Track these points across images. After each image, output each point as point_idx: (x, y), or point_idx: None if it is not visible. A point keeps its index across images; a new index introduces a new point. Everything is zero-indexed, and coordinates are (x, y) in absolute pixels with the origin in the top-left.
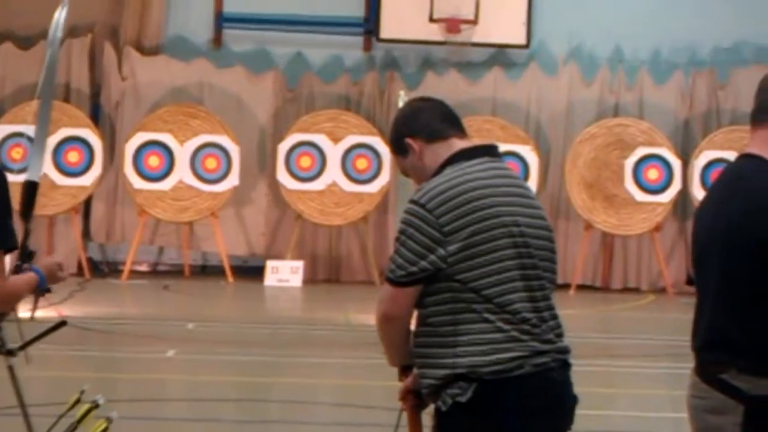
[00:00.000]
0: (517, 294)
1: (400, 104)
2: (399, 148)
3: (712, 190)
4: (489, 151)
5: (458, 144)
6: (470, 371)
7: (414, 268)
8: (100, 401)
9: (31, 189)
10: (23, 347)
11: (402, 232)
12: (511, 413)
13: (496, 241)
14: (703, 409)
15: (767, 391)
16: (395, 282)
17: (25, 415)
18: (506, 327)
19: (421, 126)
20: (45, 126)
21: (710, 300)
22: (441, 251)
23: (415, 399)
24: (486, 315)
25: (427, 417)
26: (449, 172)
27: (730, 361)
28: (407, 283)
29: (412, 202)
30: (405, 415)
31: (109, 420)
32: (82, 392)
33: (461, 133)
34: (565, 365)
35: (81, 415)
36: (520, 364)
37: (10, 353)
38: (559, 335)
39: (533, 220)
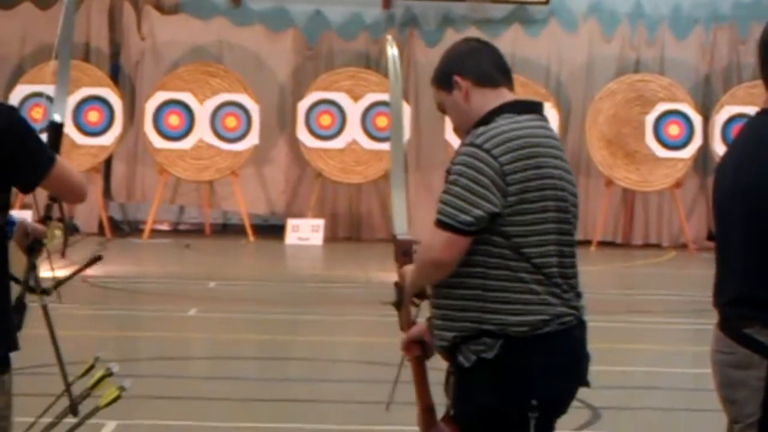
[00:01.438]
0: (553, 258)
1: (389, 49)
2: (444, 83)
3: (733, 147)
4: (536, 108)
5: (508, 95)
6: (498, 329)
7: (480, 212)
8: (114, 369)
9: (56, 130)
10: (58, 285)
11: (461, 174)
12: (536, 370)
13: (545, 201)
14: (727, 363)
15: None
16: (458, 229)
17: (60, 359)
18: (539, 289)
19: (473, 66)
20: (66, 66)
21: (735, 257)
22: (500, 198)
23: (419, 349)
24: (522, 274)
25: (432, 372)
26: (505, 122)
27: (756, 317)
28: (471, 231)
29: (473, 145)
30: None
31: (122, 388)
32: (96, 359)
33: (510, 85)
34: (582, 324)
35: (94, 382)
36: (547, 323)
37: (45, 292)
38: (579, 295)
39: (569, 185)
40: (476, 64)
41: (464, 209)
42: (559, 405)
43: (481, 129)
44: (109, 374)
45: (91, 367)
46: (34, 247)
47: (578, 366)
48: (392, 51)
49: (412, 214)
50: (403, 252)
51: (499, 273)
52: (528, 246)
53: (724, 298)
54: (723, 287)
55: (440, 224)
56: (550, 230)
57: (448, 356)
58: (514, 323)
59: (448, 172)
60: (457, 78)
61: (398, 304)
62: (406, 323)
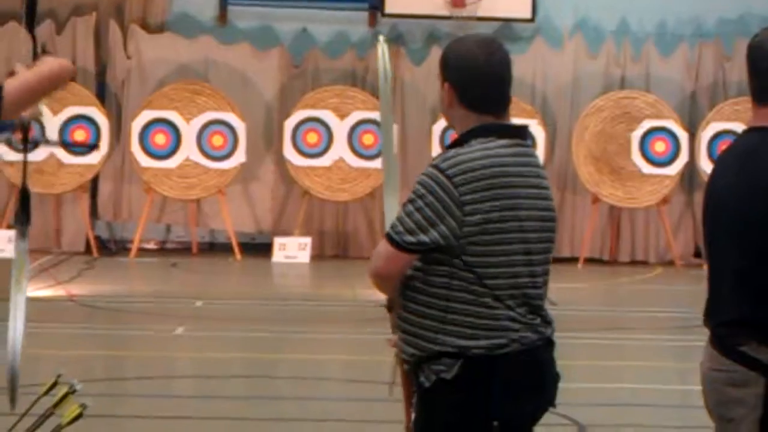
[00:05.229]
0: (519, 281)
1: (380, 49)
2: (440, 74)
3: (721, 164)
4: (517, 132)
5: (490, 119)
6: (456, 350)
7: (425, 238)
8: (77, 386)
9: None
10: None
11: (419, 196)
12: (496, 390)
13: (509, 233)
14: (723, 381)
15: None
16: (400, 246)
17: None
18: (501, 314)
19: (466, 86)
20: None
21: (726, 276)
22: (455, 227)
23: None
24: (485, 299)
25: None
26: (477, 147)
27: (750, 334)
28: (413, 251)
29: (437, 168)
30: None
31: (83, 406)
32: (58, 376)
33: (500, 114)
34: (549, 343)
35: (57, 399)
36: (506, 345)
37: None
38: (546, 318)
39: (545, 211)
40: (471, 85)
41: (412, 230)
42: (523, 425)
43: (452, 152)
44: (72, 391)
45: (54, 385)
46: None
47: (542, 386)
48: (383, 47)
49: None
50: None
51: (462, 296)
52: (490, 276)
53: (716, 320)
54: (716, 309)
55: (387, 237)
56: (516, 261)
57: (413, 375)
58: (472, 346)
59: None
60: (447, 85)
61: (390, 306)
62: (395, 325)
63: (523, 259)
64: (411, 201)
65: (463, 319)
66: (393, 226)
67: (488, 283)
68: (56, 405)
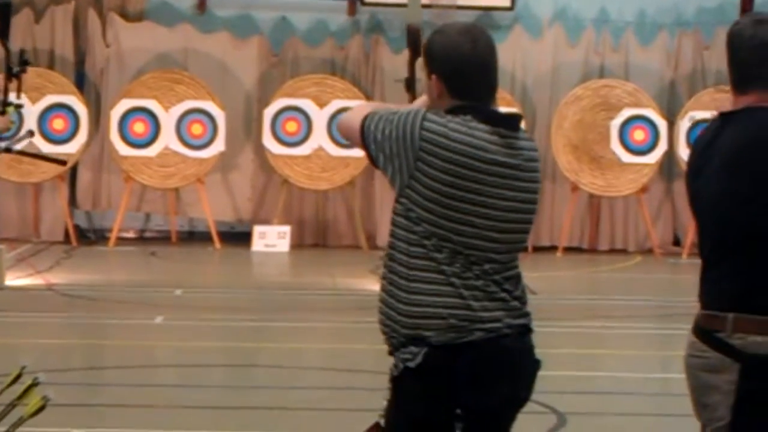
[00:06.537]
0: (485, 265)
1: None
2: (426, 65)
3: (711, 149)
4: (507, 121)
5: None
6: (416, 334)
7: (385, 145)
8: (41, 379)
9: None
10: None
11: (394, 123)
12: (461, 380)
13: (469, 209)
14: (700, 367)
15: (762, 349)
16: (366, 130)
17: None
18: (466, 293)
19: (454, 77)
20: None
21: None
22: (405, 167)
23: None
24: (453, 279)
25: None
26: (460, 122)
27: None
28: (369, 142)
29: (422, 116)
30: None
31: (45, 398)
32: (23, 368)
33: (488, 103)
34: (524, 331)
35: (21, 392)
36: (470, 331)
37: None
38: (522, 302)
39: (513, 203)
40: (458, 75)
41: (381, 129)
42: (495, 413)
43: (441, 114)
44: (35, 384)
45: (18, 377)
46: None
47: (513, 374)
48: None
49: (381, 218)
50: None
51: (433, 276)
52: (465, 251)
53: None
54: (723, 291)
55: (363, 122)
56: (478, 246)
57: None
58: (436, 326)
59: None
60: (434, 77)
61: (410, 82)
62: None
63: (489, 241)
64: (388, 118)
65: (428, 300)
66: (369, 116)
67: (461, 263)
68: (20, 397)
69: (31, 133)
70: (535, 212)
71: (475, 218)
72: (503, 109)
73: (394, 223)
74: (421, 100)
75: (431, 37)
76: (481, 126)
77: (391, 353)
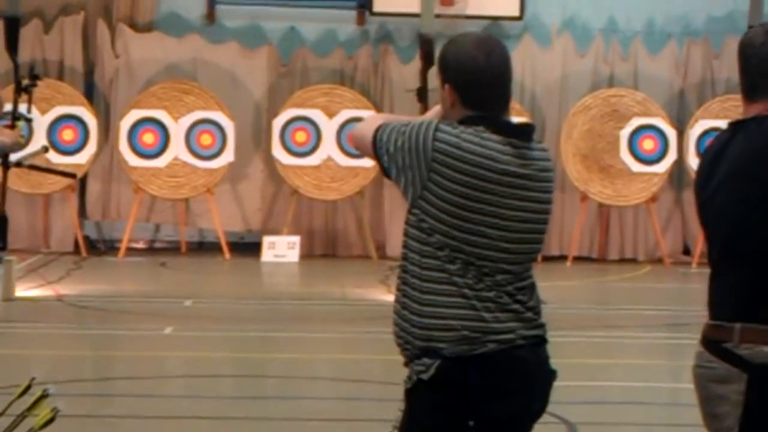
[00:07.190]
0: (497, 276)
1: None
2: (439, 76)
3: (718, 158)
4: (520, 131)
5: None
6: (429, 346)
7: (392, 149)
8: (50, 390)
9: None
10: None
11: (406, 135)
12: (475, 392)
13: (480, 226)
14: (708, 378)
15: None
16: (378, 142)
17: None
18: (479, 305)
19: (468, 89)
20: None
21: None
22: (424, 173)
23: None
24: (465, 291)
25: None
26: (472, 133)
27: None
28: (381, 154)
29: (434, 127)
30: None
31: (55, 410)
32: (33, 379)
33: (504, 110)
34: (538, 342)
35: (31, 404)
36: (483, 342)
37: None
38: (536, 312)
39: (524, 214)
40: (473, 86)
41: (393, 141)
42: (508, 425)
43: (454, 124)
44: (45, 395)
45: (28, 388)
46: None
47: (526, 385)
48: None
49: (390, 228)
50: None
51: (446, 288)
52: (476, 262)
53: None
54: (737, 302)
55: (375, 133)
56: (490, 257)
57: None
58: (448, 339)
59: None
60: (448, 87)
61: (421, 92)
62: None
63: (502, 252)
64: (400, 130)
65: (440, 312)
66: (382, 127)
67: (473, 274)
68: (30, 408)
69: (45, 149)
70: (548, 222)
71: (487, 229)
72: (515, 119)
73: (407, 235)
74: (435, 111)
75: (445, 46)
76: (494, 137)
77: (406, 364)
